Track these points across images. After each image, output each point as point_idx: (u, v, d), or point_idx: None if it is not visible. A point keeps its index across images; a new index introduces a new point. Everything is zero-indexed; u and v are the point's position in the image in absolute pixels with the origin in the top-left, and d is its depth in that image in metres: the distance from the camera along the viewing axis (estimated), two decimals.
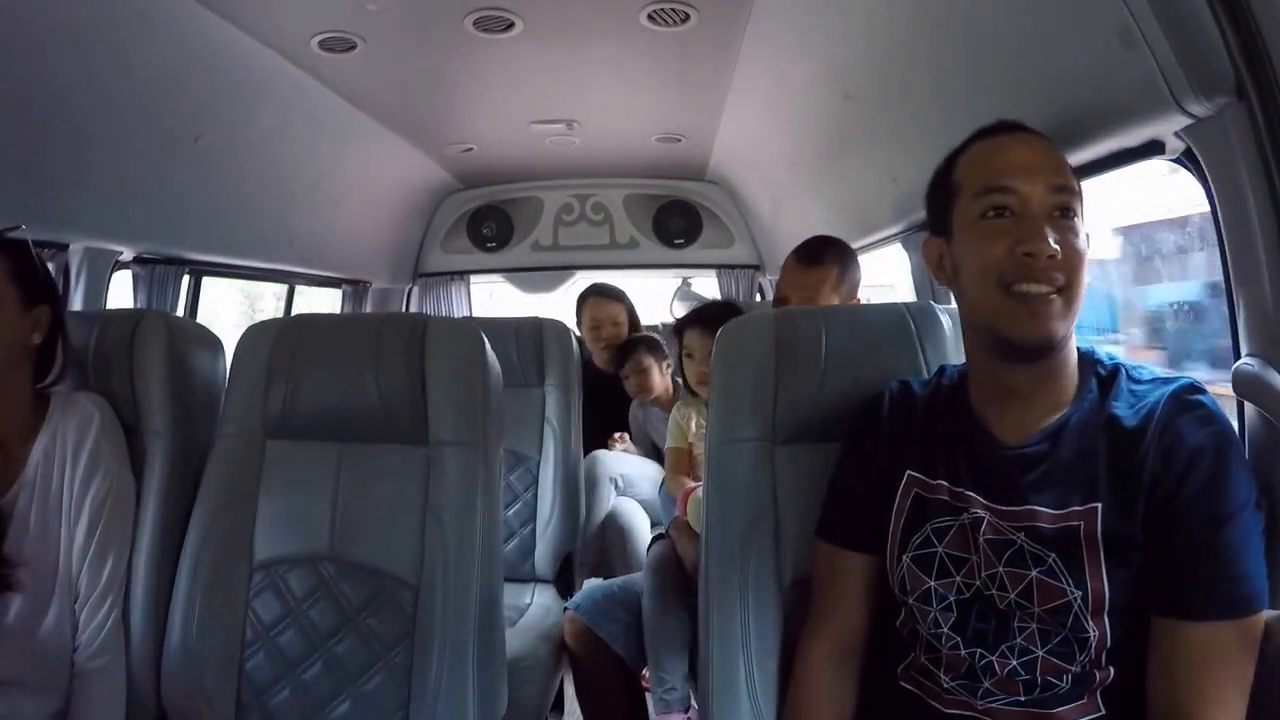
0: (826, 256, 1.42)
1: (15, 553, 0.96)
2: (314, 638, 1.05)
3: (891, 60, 1.41)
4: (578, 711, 1.59)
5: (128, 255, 1.69)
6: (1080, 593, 0.72)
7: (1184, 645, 0.68)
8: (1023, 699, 0.75)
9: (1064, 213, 0.75)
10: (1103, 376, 0.78)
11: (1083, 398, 0.77)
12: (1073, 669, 0.74)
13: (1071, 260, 0.73)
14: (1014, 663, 0.76)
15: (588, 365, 2.46)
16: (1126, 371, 0.78)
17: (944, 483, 0.82)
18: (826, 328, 1.02)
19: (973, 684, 0.78)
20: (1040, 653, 0.75)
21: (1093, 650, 0.73)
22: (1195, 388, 0.73)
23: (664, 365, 2.22)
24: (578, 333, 2.34)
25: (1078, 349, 0.79)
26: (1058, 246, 0.72)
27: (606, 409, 2.28)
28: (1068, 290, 0.73)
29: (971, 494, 0.79)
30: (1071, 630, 0.73)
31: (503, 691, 1.08)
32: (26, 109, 1.25)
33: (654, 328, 2.70)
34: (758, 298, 3.23)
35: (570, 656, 1.52)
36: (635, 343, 2.26)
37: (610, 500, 2.12)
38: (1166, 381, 0.75)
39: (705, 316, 1.68)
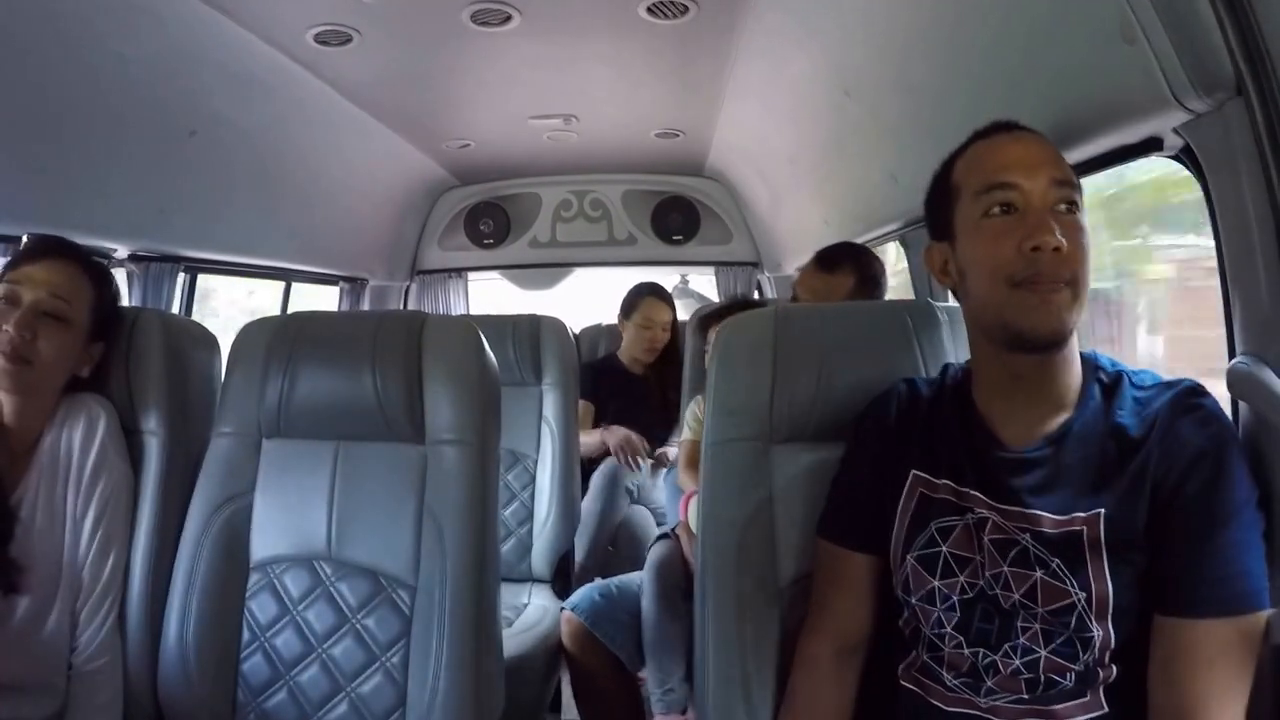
0: (844, 263, 1.42)
1: (22, 554, 0.96)
2: (311, 638, 1.04)
3: (891, 56, 1.41)
4: (575, 712, 1.59)
5: (122, 252, 1.69)
6: (1084, 595, 0.73)
7: (1186, 643, 0.69)
8: (1026, 697, 0.76)
9: (1067, 206, 0.74)
10: (1105, 383, 0.78)
11: (1085, 403, 0.77)
12: (1076, 668, 0.74)
13: (1077, 254, 0.73)
14: (1017, 662, 0.76)
15: (609, 367, 2.45)
16: (1129, 378, 0.78)
17: (948, 482, 0.82)
18: (825, 326, 1.01)
19: (975, 682, 0.78)
20: (1044, 652, 0.75)
21: (1096, 650, 0.73)
22: (1197, 390, 0.74)
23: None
24: (575, 330, 2.33)
25: (1080, 353, 0.79)
26: (1064, 239, 0.72)
27: (636, 413, 2.27)
28: (1075, 284, 0.73)
29: (975, 494, 0.79)
30: (1075, 631, 0.73)
31: (500, 692, 1.08)
32: (18, 103, 1.24)
33: None
34: (755, 295, 3.23)
35: (567, 657, 1.52)
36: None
37: (625, 508, 2.11)
38: (1169, 386, 0.75)
39: (734, 313, 1.67)
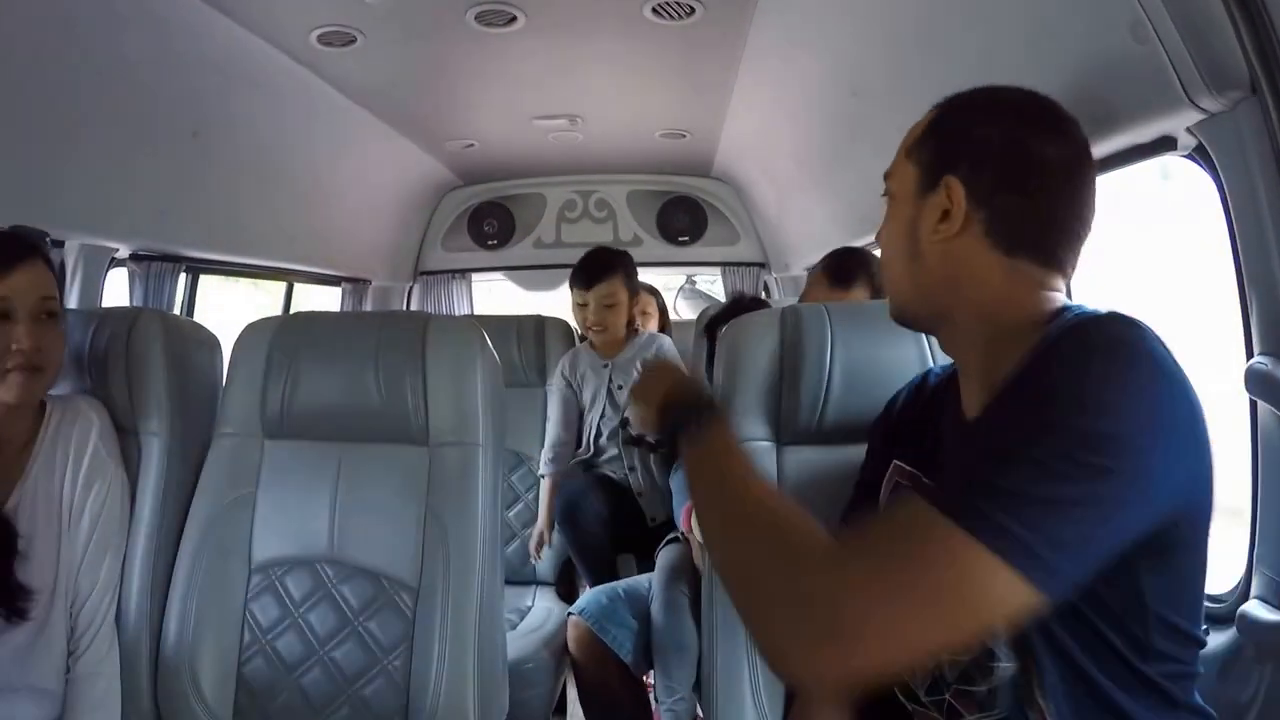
0: (859, 277, 1.35)
1: (22, 571, 0.94)
2: (313, 641, 1.04)
3: (899, 55, 1.40)
4: (580, 715, 1.58)
5: (124, 252, 1.68)
6: None
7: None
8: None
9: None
10: (1053, 339, 0.60)
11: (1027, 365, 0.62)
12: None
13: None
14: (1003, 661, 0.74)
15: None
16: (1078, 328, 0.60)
17: (919, 472, 0.79)
18: (833, 326, 1.00)
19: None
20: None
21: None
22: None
23: (636, 309, 1.84)
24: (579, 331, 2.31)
25: (1063, 307, 0.64)
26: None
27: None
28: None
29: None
30: None
31: (503, 695, 1.07)
32: (22, 103, 1.24)
33: None
34: (763, 296, 3.22)
35: (573, 662, 1.51)
36: (617, 263, 1.75)
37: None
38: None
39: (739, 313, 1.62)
